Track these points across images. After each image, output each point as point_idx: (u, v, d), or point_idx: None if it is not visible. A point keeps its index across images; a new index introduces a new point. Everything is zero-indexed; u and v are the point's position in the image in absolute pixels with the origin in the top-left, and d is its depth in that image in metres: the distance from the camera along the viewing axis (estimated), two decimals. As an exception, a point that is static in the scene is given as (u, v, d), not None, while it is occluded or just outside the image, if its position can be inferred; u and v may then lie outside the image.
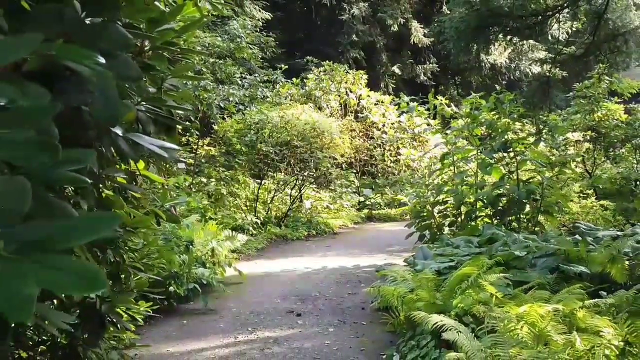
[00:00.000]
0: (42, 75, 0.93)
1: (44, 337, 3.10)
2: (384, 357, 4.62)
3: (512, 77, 20.85)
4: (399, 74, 22.19)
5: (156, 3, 1.65)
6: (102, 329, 2.49)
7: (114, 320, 2.95)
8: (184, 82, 2.30)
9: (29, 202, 0.70)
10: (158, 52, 1.57)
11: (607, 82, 10.37)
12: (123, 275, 2.70)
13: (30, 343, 3.09)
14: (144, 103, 1.55)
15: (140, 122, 1.54)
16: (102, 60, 0.88)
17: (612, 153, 11.52)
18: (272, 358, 4.63)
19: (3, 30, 0.86)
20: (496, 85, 17.86)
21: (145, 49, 1.51)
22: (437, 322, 3.91)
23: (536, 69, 16.34)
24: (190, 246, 6.59)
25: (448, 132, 8.97)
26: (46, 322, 1.90)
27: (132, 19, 1.44)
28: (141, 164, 2.37)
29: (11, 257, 0.66)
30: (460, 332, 3.67)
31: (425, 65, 22.51)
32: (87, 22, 1.03)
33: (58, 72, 0.94)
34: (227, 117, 11.95)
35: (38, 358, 3.17)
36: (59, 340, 2.97)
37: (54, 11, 0.96)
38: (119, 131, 1.26)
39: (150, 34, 1.44)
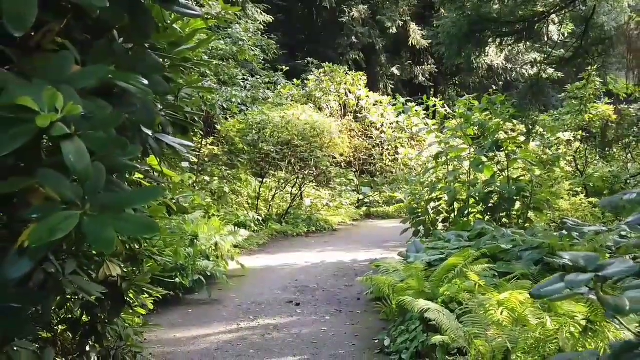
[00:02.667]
0: (98, 91, 1.29)
1: (60, 319, 3.44)
2: (377, 341, 4.97)
3: (509, 78, 21.19)
4: (398, 75, 22.53)
5: (174, 26, 2.01)
6: (122, 304, 2.84)
7: (130, 301, 3.32)
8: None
9: (104, 179, 1.06)
10: (175, 67, 1.93)
11: (600, 83, 10.68)
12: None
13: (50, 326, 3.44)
14: (165, 109, 1.91)
15: (161, 124, 1.89)
16: (145, 81, 1.24)
17: (607, 152, 11.84)
18: (272, 342, 4.98)
19: (77, 62, 1.21)
20: (493, 86, 18.20)
21: (166, 65, 1.86)
22: (422, 307, 4.27)
23: (531, 70, 16.68)
24: (195, 240, 6.94)
25: (442, 132, 9.32)
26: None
27: (155, 41, 1.79)
28: (154, 161, 2.72)
29: (96, 215, 1.02)
30: (443, 314, 4.03)
31: (423, 67, 22.84)
32: (130, 52, 1.39)
33: (110, 89, 1.30)
34: (230, 117, 12.30)
35: (60, 338, 3.52)
36: (80, 318, 3.32)
37: (107, 45, 1.32)
38: (149, 132, 1.62)
39: (170, 55, 1.80)
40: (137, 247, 3.03)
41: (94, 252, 2.81)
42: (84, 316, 3.30)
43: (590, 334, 3.32)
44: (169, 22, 2.01)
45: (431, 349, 4.25)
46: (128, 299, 3.27)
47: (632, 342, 1.23)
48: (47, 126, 0.99)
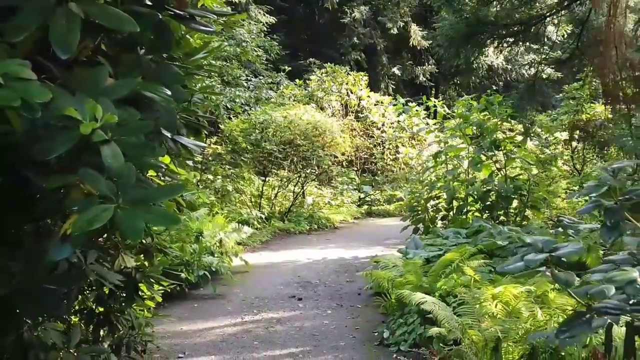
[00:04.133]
0: (128, 99, 1.48)
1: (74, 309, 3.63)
2: (376, 334, 5.16)
3: (509, 79, 21.34)
4: (399, 75, 22.69)
5: (187, 37, 2.20)
6: (135, 294, 3.04)
7: (141, 293, 3.51)
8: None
9: (134, 177, 1.25)
10: (190, 75, 2.12)
11: (597, 83, 10.83)
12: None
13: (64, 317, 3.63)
14: (180, 113, 2.10)
15: (177, 127, 2.09)
16: (168, 91, 1.43)
17: (605, 152, 11.98)
18: (275, 335, 5.17)
19: (111, 75, 1.40)
20: (493, 86, 18.36)
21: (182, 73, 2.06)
22: (420, 300, 4.46)
23: (530, 71, 16.84)
24: (200, 237, 7.13)
25: (442, 131, 9.49)
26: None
27: (172, 53, 1.99)
28: (167, 159, 2.92)
29: (128, 207, 1.22)
30: (439, 306, 4.21)
31: (424, 67, 23.00)
32: (153, 64, 1.59)
33: (137, 97, 1.49)
34: (234, 117, 12.49)
35: (72, 329, 3.71)
36: (94, 309, 3.51)
37: (135, 59, 1.52)
38: (168, 134, 1.81)
39: (185, 65, 2.00)
40: (149, 240, 3.23)
41: (107, 244, 3.01)
42: (98, 307, 3.50)
43: (576, 323, 3.49)
44: (182, 32, 2.20)
45: (428, 340, 4.44)
46: (140, 291, 3.47)
47: (582, 311, 1.42)
48: (88, 133, 1.18)
